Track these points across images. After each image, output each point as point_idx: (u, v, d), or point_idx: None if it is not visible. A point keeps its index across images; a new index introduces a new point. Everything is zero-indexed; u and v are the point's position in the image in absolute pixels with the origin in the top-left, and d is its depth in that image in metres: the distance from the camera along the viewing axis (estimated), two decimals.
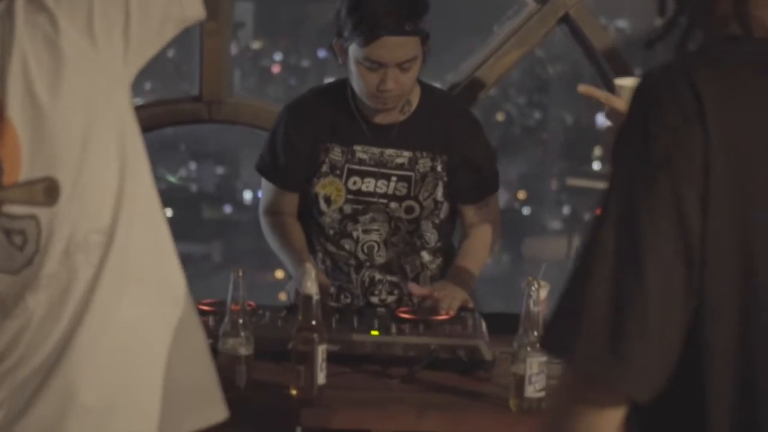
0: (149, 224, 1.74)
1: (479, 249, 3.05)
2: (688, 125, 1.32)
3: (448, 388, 2.49)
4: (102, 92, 1.65)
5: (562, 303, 1.37)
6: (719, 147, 1.32)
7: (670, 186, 1.31)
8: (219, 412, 1.89)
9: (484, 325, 2.70)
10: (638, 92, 1.37)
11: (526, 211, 20.66)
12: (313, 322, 2.37)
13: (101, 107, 1.65)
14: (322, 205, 3.00)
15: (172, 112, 3.77)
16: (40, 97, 1.62)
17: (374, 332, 2.62)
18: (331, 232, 3.02)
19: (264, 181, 3.14)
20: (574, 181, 20.36)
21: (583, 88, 2.42)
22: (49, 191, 1.64)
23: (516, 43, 3.66)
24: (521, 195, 20.89)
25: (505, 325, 2.60)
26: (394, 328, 2.64)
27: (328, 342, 2.40)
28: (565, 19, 3.64)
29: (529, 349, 2.34)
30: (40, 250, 1.65)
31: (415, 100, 3.00)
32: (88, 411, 1.69)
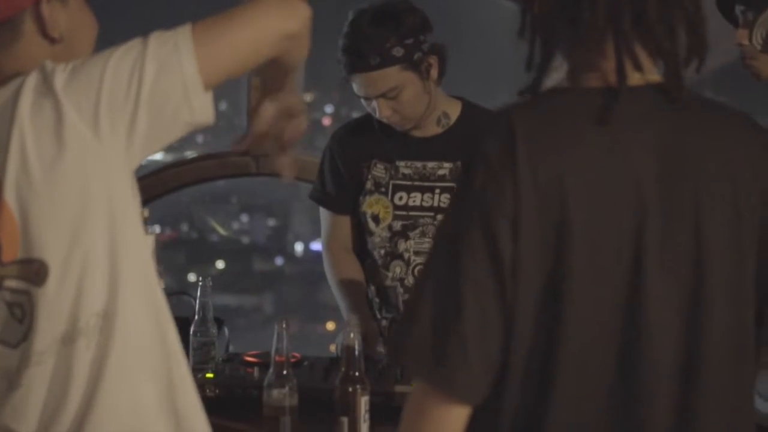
0: (147, 305, 1.73)
1: None
2: (501, 161, 1.47)
3: None
4: (98, 179, 1.65)
5: (402, 316, 1.57)
6: (528, 180, 1.46)
7: (483, 216, 1.47)
8: None
9: None
10: (476, 134, 1.55)
11: None
12: (356, 374, 2.39)
13: (95, 194, 1.65)
14: (371, 225, 3.04)
15: (221, 166, 3.82)
16: (35, 181, 1.63)
17: None
18: (383, 251, 3.04)
19: (320, 210, 3.19)
20: None
21: None
22: (38, 272, 1.66)
23: None
24: None
25: None
26: None
27: (371, 393, 2.41)
28: None
29: None
30: (32, 326, 1.67)
31: (454, 114, 3.04)
32: None
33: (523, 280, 1.47)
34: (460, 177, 1.54)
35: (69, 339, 1.67)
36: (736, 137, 1.55)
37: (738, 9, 2.52)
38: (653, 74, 1.55)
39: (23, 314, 1.68)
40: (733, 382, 1.54)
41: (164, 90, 1.66)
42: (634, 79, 1.53)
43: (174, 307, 3.01)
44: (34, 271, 1.66)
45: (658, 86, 1.54)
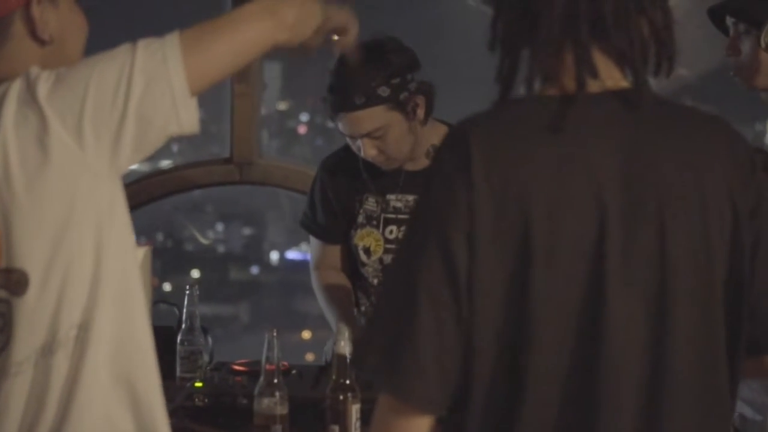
0: (125, 316, 1.71)
1: None
2: (457, 174, 1.46)
3: None
4: (82, 190, 1.64)
5: (364, 328, 1.60)
6: (484, 193, 1.45)
7: (439, 230, 1.47)
8: None
9: None
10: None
11: None
12: (347, 381, 2.38)
13: (80, 204, 1.64)
14: (363, 257, 3.04)
15: (204, 174, 3.81)
16: (18, 191, 1.63)
17: None
18: (375, 281, 3.04)
19: (311, 238, 3.19)
20: None
21: None
22: (19, 282, 1.65)
23: None
24: None
25: None
26: None
27: (362, 401, 2.40)
28: None
29: None
30: (11, 336, 1.66)
31: None
32: None
33: (481, 292, 1.46)
34: (420, 190, 1.54)
35: (48, 350, 1.66)
36: (706, 143, 1.53)
37: (729, 20, 2.53)
38: (618, 81, 1.53)
39: (4, 324, 1.67)
40: (702, 390, 1.52)
41: (153, 102, 1.66)
42: (594, 86, 1.51)
43: (153, 316, 3.01)
44: (15, 281, 1.65)
45: (620, 93, 1.52)
